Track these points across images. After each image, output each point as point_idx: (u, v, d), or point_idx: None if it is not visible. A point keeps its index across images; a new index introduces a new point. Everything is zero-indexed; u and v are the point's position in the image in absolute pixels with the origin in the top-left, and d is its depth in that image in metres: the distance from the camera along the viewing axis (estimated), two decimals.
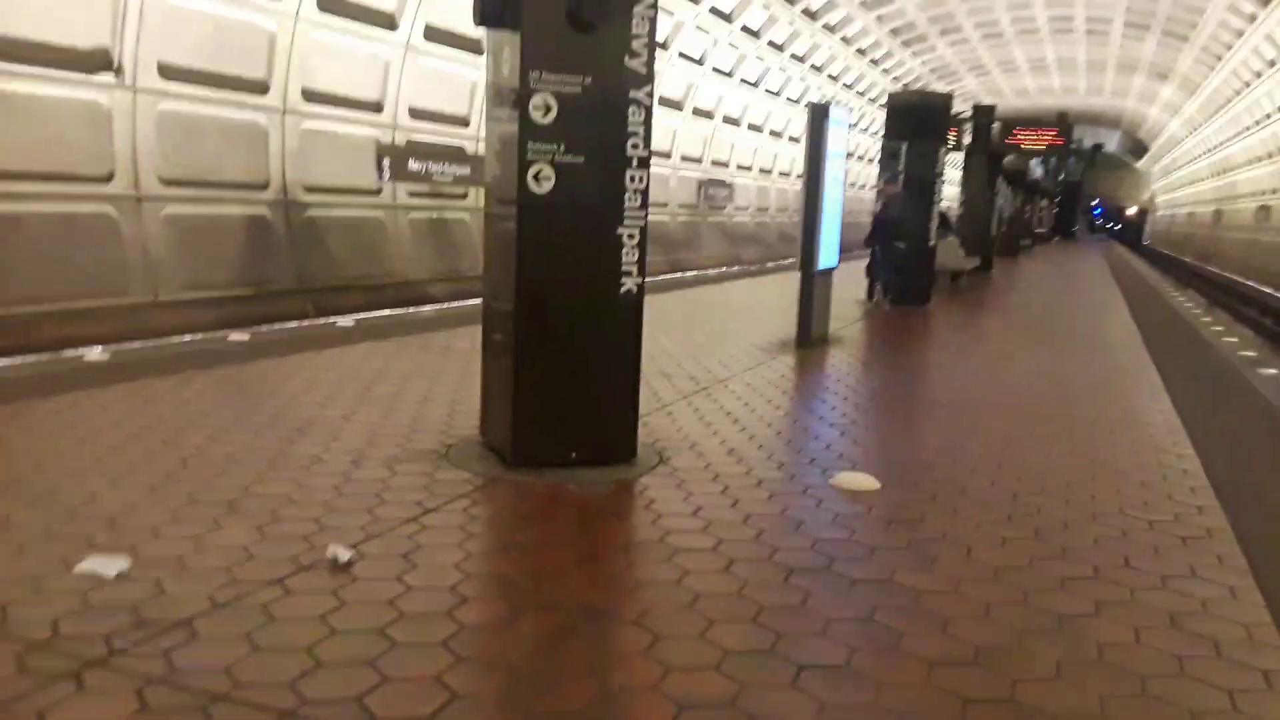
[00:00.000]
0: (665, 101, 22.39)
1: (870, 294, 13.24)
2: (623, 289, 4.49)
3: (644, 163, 4.44)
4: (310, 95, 13.41)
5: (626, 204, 4.43)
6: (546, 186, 4.26)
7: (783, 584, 3.28)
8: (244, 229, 12.82)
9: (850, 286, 13.84)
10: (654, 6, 4.34)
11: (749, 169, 28.33)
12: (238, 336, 8.45)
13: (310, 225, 13.79)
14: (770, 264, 25.58)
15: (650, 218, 17.52)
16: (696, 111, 24.09)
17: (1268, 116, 30.12)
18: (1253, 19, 23.92)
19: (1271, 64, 26.14)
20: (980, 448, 5.34)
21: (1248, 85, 30.02)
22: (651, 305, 11.71)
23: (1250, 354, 9.88)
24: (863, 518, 4.04)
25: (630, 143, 4.40)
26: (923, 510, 4.15)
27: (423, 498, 4.01)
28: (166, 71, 11.34)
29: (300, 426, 5.05)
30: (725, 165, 26.75)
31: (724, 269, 23.86)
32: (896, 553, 3.62)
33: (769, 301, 12.93)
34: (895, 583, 3.32)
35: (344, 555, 3.28)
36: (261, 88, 12.76)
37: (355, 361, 7.15)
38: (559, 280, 4.39)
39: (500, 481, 4.29)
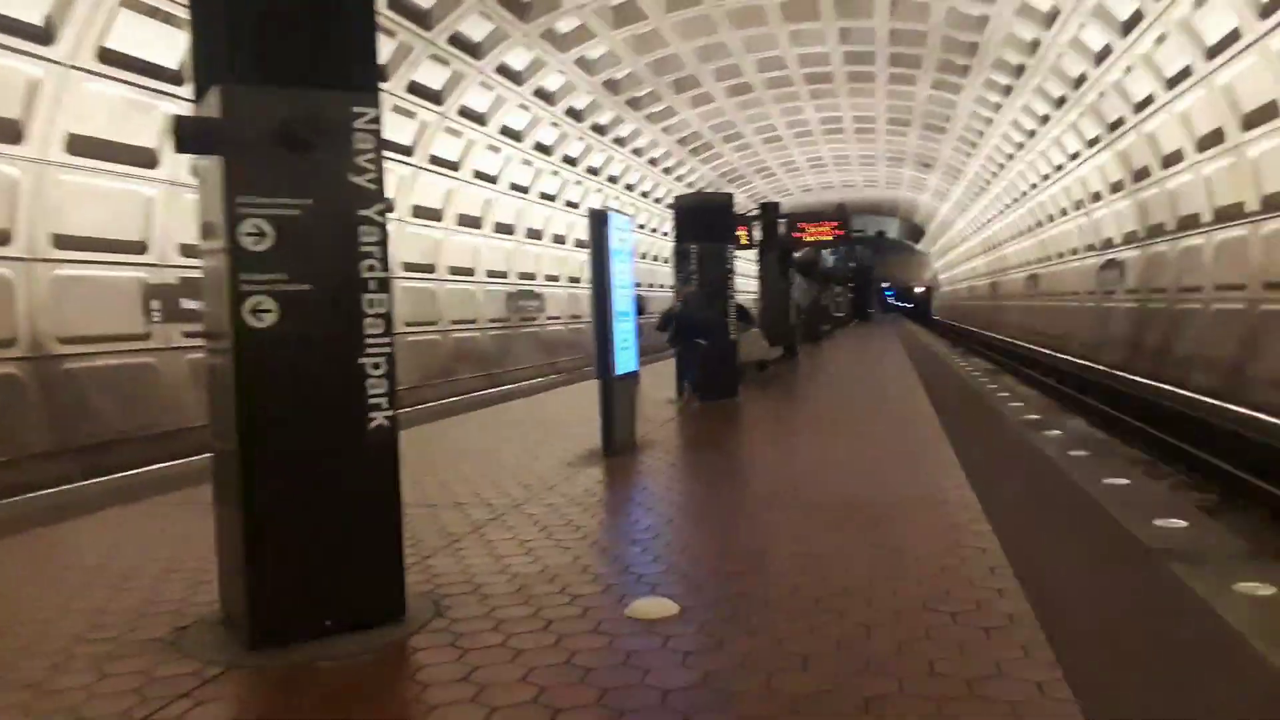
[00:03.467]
0: (465, 219, 22.25)
1: (680, 392, 13.20)
2: (371, 424, 4.01)
3: (384, 285, 4.03)
4: (62, 241, 12.31)
5: (367, 331, 3.99)
6: (268, 320, 3.77)
7: None
8: None
9: (664, 385, 13.82)
10: (376, 120, 4.01)
11: (557, 278, 28.44)
12: None
13: (69, 379, 12.48)
14: (588, 368, 25.47)
15: (460, 334, 16.96)
16: (498, 227, 24.05)
17: (1024, 194, 33.21)
18: (997, 107, 26.43)
19: (1020, 146, 28.91)
20: (784, 549, 5.09)
21: (1002, 167, 33.09)
22: (456, 426, 11.13)
23: (1034, 417, 10.33)
24: (657, 652, 3.63)
25: (365, 265, 3.98)
26: (722, 634, 3.80)
27: (131, 706, 3.31)
28: None
29: None
30: (533, 277, 26.73)
31: (540, 379, 23.56)
32: (691, 693, 3.23)
33: (581, 409, 12.58)
34: None
35: None
36: (3, 238, 11.61)
37: (94, 533, 6.23)
38: (291, 422, 3.86)
39: (236, 670, 3.63)
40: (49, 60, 11.37)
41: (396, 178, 19.04)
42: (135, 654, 3.82)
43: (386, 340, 4.04)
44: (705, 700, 3.17)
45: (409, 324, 19.98)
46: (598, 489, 7.24)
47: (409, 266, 20.10)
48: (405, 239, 19.83)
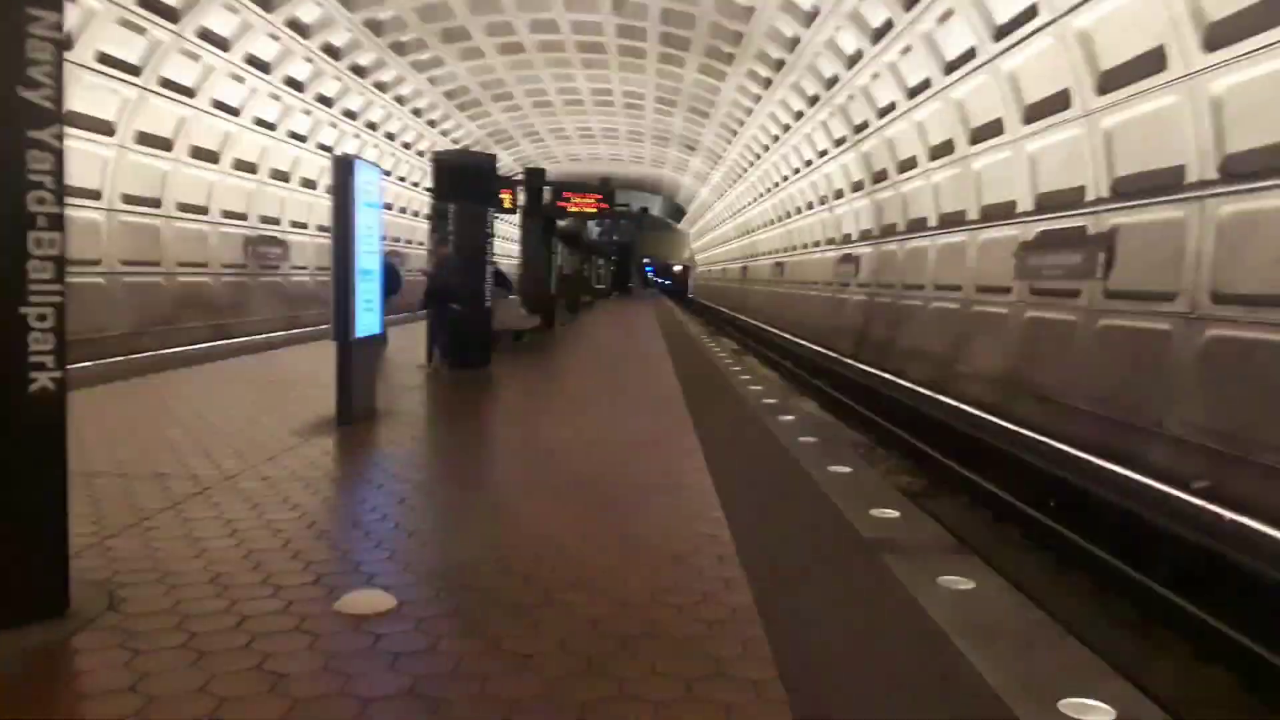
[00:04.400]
0: (199, 152, 20.27)
1: (429, 357, 12.70)
2: (33, 385, 3.39)
3: (56, 222, 3.40)
4: None
5: (31, 274, 3.35)
6: None
7: None
8: None
9: (414, 349, 13.25)
10: (58, 27, 3.35)
11: (305, 226, 26.64)
12: None
13: None
14: None
15: (187, 278, 15.38)
16: (238, 164, 22.10)
17: (776, 185, 34.90)
18: (758, 99, 27.48)
19: (776, 139, 30.28)
20: (518, 536, 4.87)
21: (759, 157, 34.57)
22: (176, 381, 10.09)
23: (772, 401, 10.75)
24: (364, 654, 3.31)
25: (33, 195, 3.34)
26: (439, 632, 3.53)
27: None
28: None
29: None
30: (277, 222, 24.87)
31: (281, 333, 22.06)
32: (395, 703, 2.94)
33: (322, 370, 11.80)
34: None
35: None
36: None
37: None
38: None
39: None
40: None
41: (120, 99, 16.97)
42: None
43: (56, 286, 3.42)
44: (409, 711, 2.89)
45: (125, 262, 17.96)
46: (325, 462, 6.71)
47: (129, 199, 18.04)
48: (126, 168, 17.75)
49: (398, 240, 33.63)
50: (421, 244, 35.00)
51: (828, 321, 26.94)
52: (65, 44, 3.38)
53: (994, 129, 15.46)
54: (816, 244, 30.64)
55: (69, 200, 3.52)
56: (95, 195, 16.91)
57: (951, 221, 18.05)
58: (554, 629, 3.57)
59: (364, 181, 8.17)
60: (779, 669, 3.23)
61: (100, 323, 16.29)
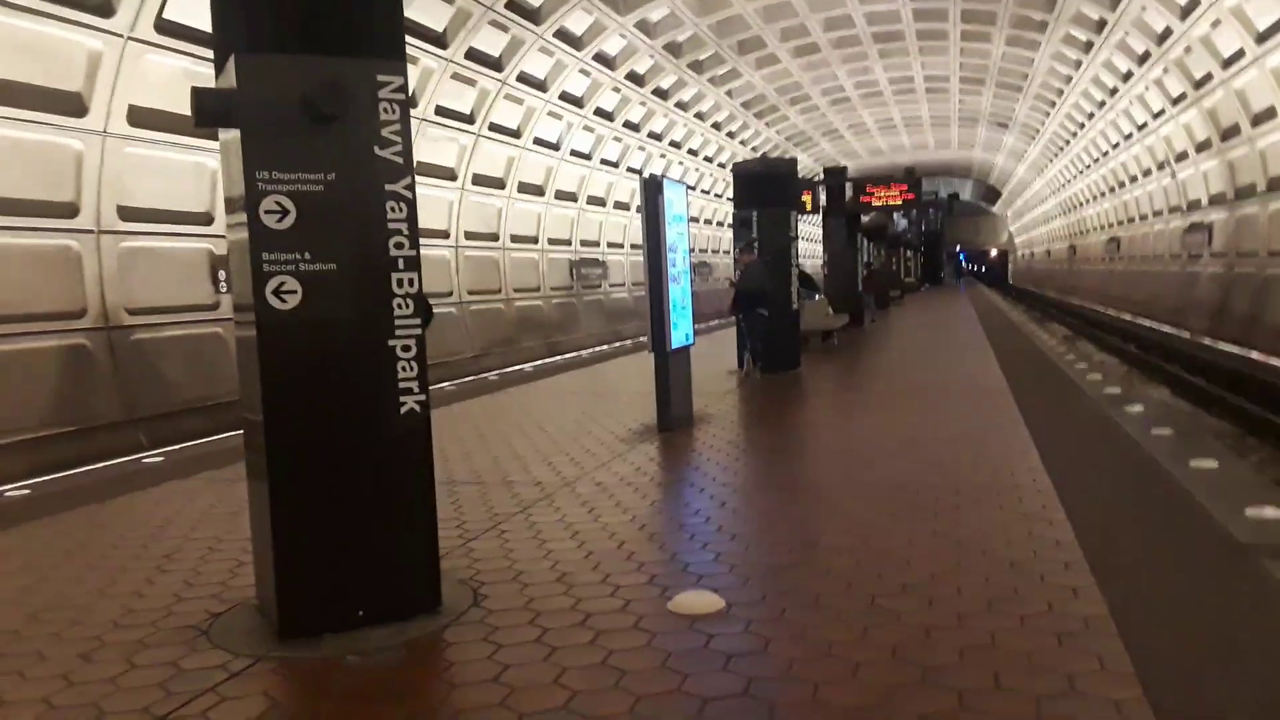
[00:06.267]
0: (526, 186, 22.11)
1: (741, 363, 12.91)
2: (403, 409, 3.84)
3: (412, 263, 3.84)
4: (128, 213, 12.46)
5: (396, 311, 3.81)
6: (292, 301, 3.60)
7: None
8: (60, 361, 11.67)
9: (725, 355, 13.55)
10: (402, 90, 3.79)
11: (620, 245, 28.20)
12: (15, 491, 7.34)
13: (138, 349, 12.69)
14: None
15: (524, 302, 16.90)
16: (560, 195, 23.86)
17: (1105, 154, 31.81)
18: (1077, 65, 25.24)
19: (1101, 105, 27.63)
20: (839, 539, 4.81)
21: (1082, 127, 31.72)
22: (517, 395, 11.06)
23: (1115, 390, 9.78)
24: (698, 655, 3.41)
25: (393, 242, 3.79)
26: (768, 635, 3.56)
27: (155, 700, 3.21)
28: None
29: (35, 613, 4.16)
30: (596, 244, 26.55)
31: (604, 346, 23.53)
32: (730, 704, 3.00)
33: (640, 380, 12.39)
34: None
35: None
36: (70, 211, 11.77)
37: (146, 509, 6.24)
38: (317, 408, 3.71)
39: (265, 663, 3.51)
40: (108, 32, 11.42)
41: (458, 146, 18.95)
42: (166, 643, 3.74)
43: (416, 321, 3.86)
44: (744, 713, 2.94)
45: (472, 292, 20.01)
46: (650, 467, 7.03)
47: (471, 235, 20.07)
48: (467, 208, 19.78)
49: (704, 251, 34.58)
50: (727, 253, 35.69)
51: (1176, 298, 24.10)
52: (410, 103, 3.79)
53: None
54: (1158, 213, 27.56)
55: (422, 241, 3.97)
56: (444, 235, 19.01)
57: None
58: (884, 637, 3.47)
59: (671, 198, 8.48)
60: (1145, 688, 2.91)
61: (453, 347, 18.27)
